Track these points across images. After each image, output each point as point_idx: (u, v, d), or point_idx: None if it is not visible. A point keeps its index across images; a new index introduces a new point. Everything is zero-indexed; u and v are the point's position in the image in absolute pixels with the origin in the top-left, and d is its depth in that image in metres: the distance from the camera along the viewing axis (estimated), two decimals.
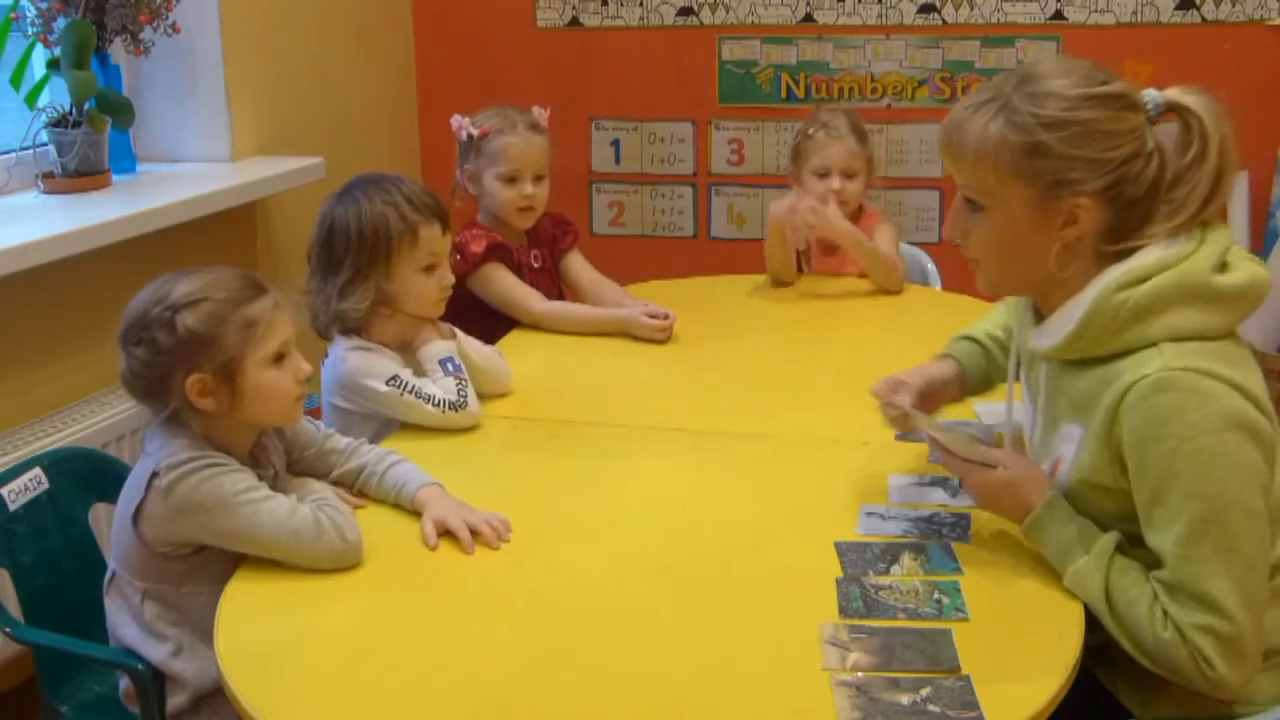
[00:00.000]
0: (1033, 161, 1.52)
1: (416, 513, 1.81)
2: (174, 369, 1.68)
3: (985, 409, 2.08)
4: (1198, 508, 1.45)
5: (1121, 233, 1.55)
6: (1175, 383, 1.47)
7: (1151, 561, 1.52)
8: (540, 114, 2.78)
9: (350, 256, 2.14)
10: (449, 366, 2.16)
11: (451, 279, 2.23)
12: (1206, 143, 1.54)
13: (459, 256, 2.64)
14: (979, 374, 1.96)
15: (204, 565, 1.70)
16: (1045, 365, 1.66)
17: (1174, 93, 1.56)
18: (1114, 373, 1.52)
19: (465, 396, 2.13)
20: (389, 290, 2.15)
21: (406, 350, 2.20)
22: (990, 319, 2.00)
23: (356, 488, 1.88)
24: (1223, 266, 1.56)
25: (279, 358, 1.74)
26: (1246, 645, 1.45)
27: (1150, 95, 1.55)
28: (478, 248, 2.65)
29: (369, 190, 2.17)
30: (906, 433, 2.01)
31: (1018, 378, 1.80)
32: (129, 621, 1.75)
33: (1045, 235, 1.55)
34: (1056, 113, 1.51)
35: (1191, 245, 1.54)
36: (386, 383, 2.11)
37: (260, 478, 1.74)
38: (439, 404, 2.11)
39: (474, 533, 1.73)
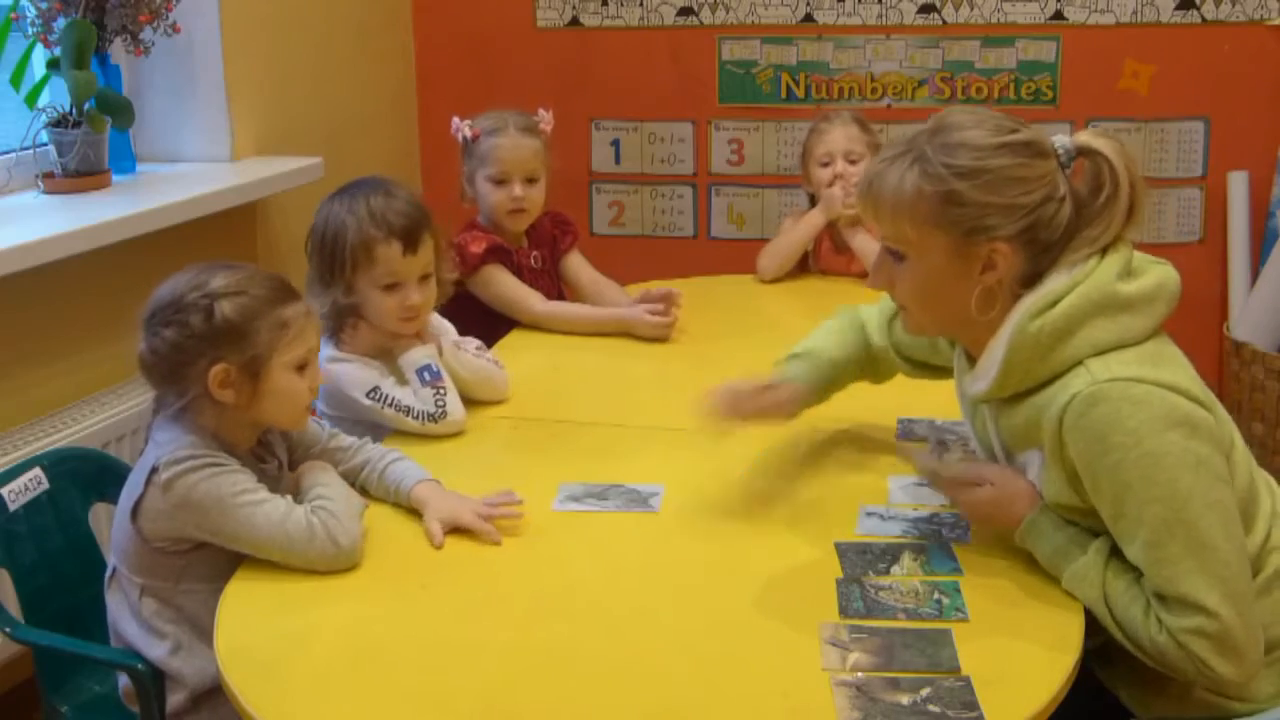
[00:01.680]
0: (948, 210, 1.56)
1: (413, 510, 1.81)
2: (200, 355, 1.69)
3: None
4: (1156, 511, 1.46)
5: (1038, 274, 1.59)
6: (1104, 395, 1.49)
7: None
8: (544, 117, 2.78)
9: (314, 260, 2.13)
10: (426, 375, 2.12)
11: (417, 299, 2.13)
12: (1118, 184, 1.57)
13: (458, 258, 2.63)
14: (812, 401, 1.98)
15: (201, 563, 1.71)
16: (985, 408, 1.68)
17: (1084, 138, 1.59)
18: (1046, 398, 1.55)
19: (443, 407, 2.10)
20: (347, 302, 2.11)
21: (387, 356, 2.17)
22: (826, 337, 2.01)
23: (359, 484, 1.88)
24: (1129, 275, 1.58)
25: (302, 365, 1.75)
26: (1238, 640, 1.45)
27: (1060, 141, 1.59)
28: (477, 249, 2.65)
29: (345, 196, 2.14)
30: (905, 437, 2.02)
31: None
32: (129, 618, 1.75)
33: (965, 281, 1.58)
34: (969, 162, 1.55)
35: (1093, 262, 1.57)
36: (366, 395, 2.10)
37: (264, 472, 1.76)
38: (418, 416, 2.09)
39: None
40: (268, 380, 1.71)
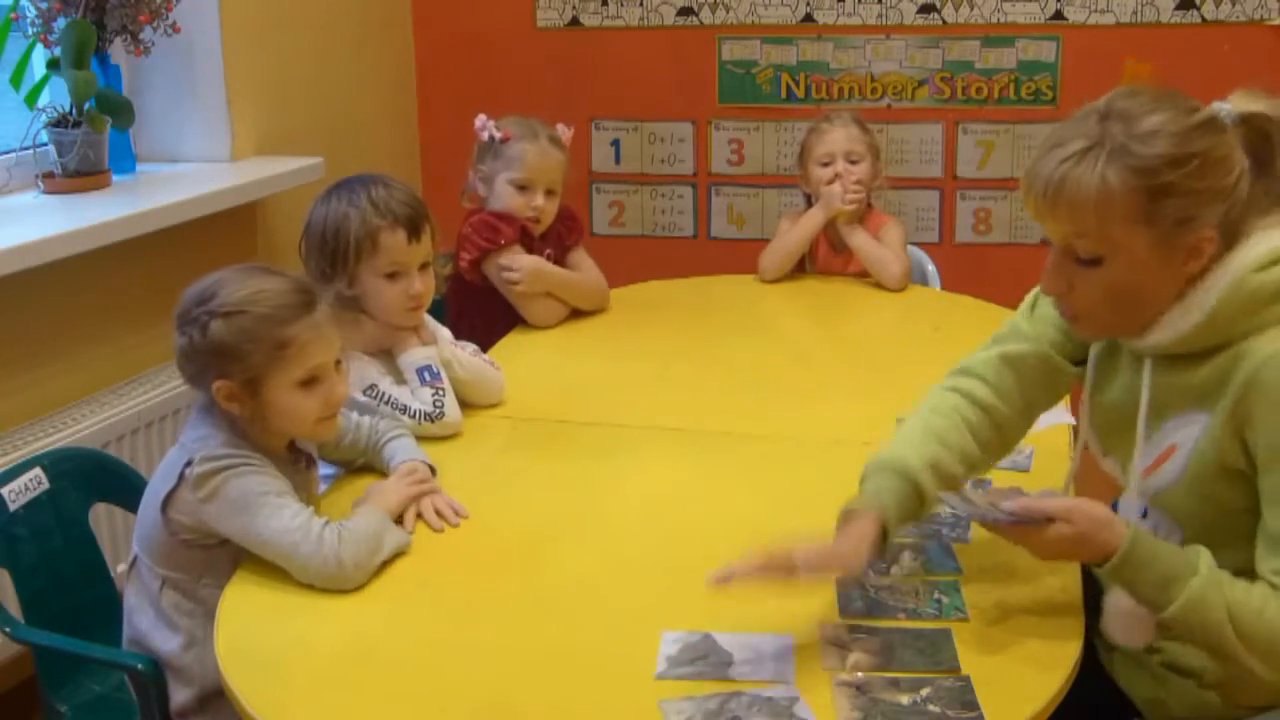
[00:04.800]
0: (1158, 204, 1.44)
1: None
2: (206, 367, 1.71)
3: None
4: None
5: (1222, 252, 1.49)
6: None
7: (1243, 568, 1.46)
8: (564, 132, 2.78)
9: (314, 257, 2.13)
10: (426, 375, 2.12)
11: (420, 287, 2.13)
12: None
13: (488, 235, 2.63)
14: (904, 518, 1.62)
15: (225, 560, 1.72)
16: (1149, 363, 1.57)
17: (1243, 103, 1.50)
18: (1245, 350, 1.46)
19: (441, 407, 2.10)
20: (349, 295, 2.11)
21: (386, 355, 2.17)
22: (919, 440, 1.68)
23: (369, 461, 1.96)
24: None
25: (308, 381, 1.74)
26: None
27: (1226, 111, 1.49)
28: (509, 227, 2.65)
29: (343, 191, 2.14)
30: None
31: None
32: (146, 608, 1.76)
33: (1167, 272, 1.48)
34: (1173, 149, 1.43)
35: None
36: (364, 393, 2.09)
37: (296, 473, 1.79)
38: (415, 415, 2.08)
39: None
40: (269, 398, 1.72)
